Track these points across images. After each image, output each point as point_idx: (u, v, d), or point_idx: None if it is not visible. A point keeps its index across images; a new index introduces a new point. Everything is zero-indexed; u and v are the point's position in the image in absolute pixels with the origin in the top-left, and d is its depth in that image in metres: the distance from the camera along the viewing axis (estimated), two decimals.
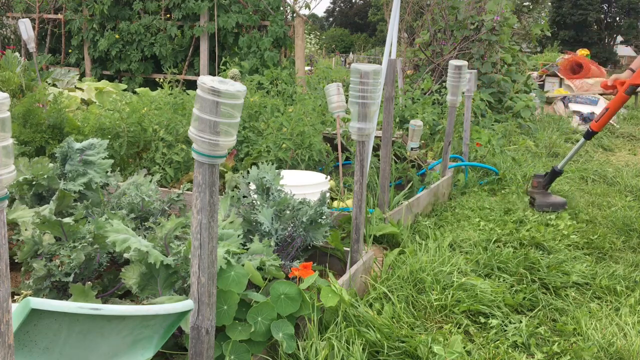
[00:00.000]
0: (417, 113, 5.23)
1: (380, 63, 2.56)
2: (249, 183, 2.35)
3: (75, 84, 7.24)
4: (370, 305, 2.03)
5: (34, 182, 2.29)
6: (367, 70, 2.09)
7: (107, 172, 2.42)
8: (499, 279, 2.35)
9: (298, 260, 2.12)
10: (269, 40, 7.61)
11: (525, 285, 2.29)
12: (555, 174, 3.42)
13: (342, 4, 54.77)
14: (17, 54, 5.63)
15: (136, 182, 2.39)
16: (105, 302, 1.79)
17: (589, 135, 3.26)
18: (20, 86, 4.69)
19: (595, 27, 40.36)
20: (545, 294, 2.26)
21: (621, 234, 2.98)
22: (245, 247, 1.94)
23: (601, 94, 8.68)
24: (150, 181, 2.41)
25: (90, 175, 2.33)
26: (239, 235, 1.85)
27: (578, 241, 2.81)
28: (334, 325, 1.74)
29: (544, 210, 3.30)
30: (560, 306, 2.17)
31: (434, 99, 6.03)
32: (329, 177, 3.05)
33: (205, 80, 1.18)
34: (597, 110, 7.81)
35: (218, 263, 1.51)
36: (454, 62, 3.66)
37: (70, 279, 1.76)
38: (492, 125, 5.79)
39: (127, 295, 1.90)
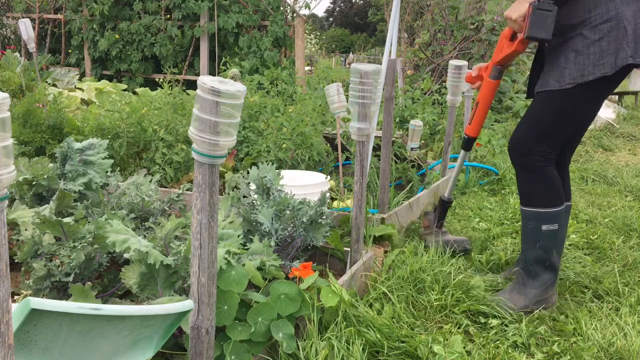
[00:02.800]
0: (417, 113, 5.24)
1: (380, 63, 2.56)
2: (249, 183, 2.35)
3: (75, 84, 7.25)
4: (370, 305, 2.03)
5: (34, 182, 2.29)
6: (367, 70, 2.09)
7: (107, 172, 2.42)
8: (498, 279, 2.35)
9: (298, 260, 2.12)
10: (269, 40, 7.61)
11: None
12: (444, 205, 2.78)
13: (342, 4, 54.78)
14: (17, 54, 5.63)
15: (136, 182, 2.39)
16: (105, 302, 1.79)
17: (468, 144, 2.55)
18: (20, 86, 4.70)
19: None
20: None
21: (621, 233, 2.99)
22: (246, 247, 1.94)
23: None
24: (150, 181, 2.41)
25: (90, 175, 2.33)
26: (239, 235, 1.85)
27: (578, 241, 2.81)
28: (334, 325, 1.74)
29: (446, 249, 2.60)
30: (560, 306, 2.17)
31: (434, 99, 6.03)
32: (329, 177, 3.05)
33: (205, 80, 1.18)
34: None
35: (218, 263, 1.51)
36: (454, 62, 3.66)
37: (70, 279, 1.76)
38: (492, 125, 5.79)
39: (127, 295, 1.90)
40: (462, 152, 2.59)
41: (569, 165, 2.31)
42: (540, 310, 2.09)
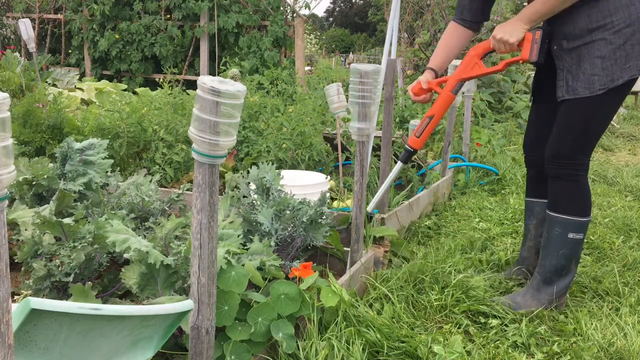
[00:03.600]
0: (417, 113, 5.23)
1: (380, 63, 2.56)
2: (249, 183, 2.35)
3: (75, 84, 7.25)
4: (370, 306, 2.03)
5: (34, 182, 2.29)
6: (367, 70, 2.09)
7: (107, 172, 2.42)
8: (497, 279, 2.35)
9: (298, 260, 2.12)
10: (269, 40, 7.61)
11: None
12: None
13: (342, 4, 54.78)
14: (17, 54, 5.63)
15: (136, 182, 2.39)
16: (105, 302, 1.79)
17: (409, 157, 2.40)
18: (20, 86, 4.70)
19: None
20: None
21: (621, 233, 2.98)
22: (246, 247, 1.94)
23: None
24: (150, 181, 2.41)
25: (90, 175, 2.33)
26: (239, 235, 1.85)
27: None
28: (334, 325, 1.74)
29: None
30: None
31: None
32: (329, 177, 3.05)
33: (205, 80, 1.18)
34: None
35: (218, 263, 1.51)
36: (453, 62, 3.66)
37: (70, 279, 1.76)
38: (492, 125, 5.79)
39: (127, 295, 1.90)
40: (399, 164, 2.42)
41: None
42: (544, 310, 2.08)
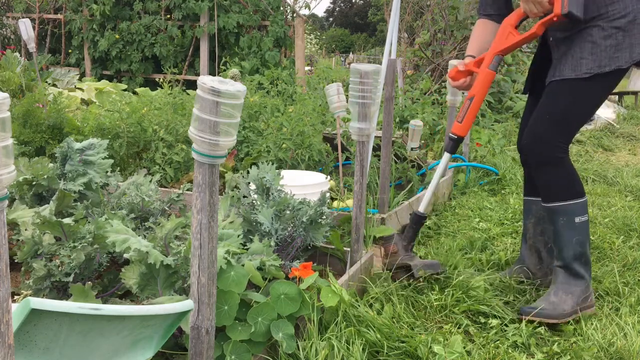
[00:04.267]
0: (417, 113, 5.24)
1: (380, 63, 2.56)
2: (249, 183, 2.35)
3: (75, 84, 7.25)
4: (370, 305, 2.03)
5: (34, 182, 2.29)
6: (367, 70, 2.09)
7: (107, 172, 2.42)
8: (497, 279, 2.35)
9: (298, 260, 2.12)
10: (270, 40, 7.61)
11: (526, 286, 2.29)
12: (419, 222, 2.30)
13: (342, 4, 54.79)
14: (17, 54, 5.63)
15: (136, 182, 2.39)
16: (105, 302, 1.79)
17: (455, 146, 2.24)
18: (20, 86, 4.70)
19: None
20: None
21: (621, 233, 2.98)
22: (246, 247, 1.94)
23: None
24: (150, 181, 2.41)
25: (90, 175, 2.33)
26: (239, 235, 1.85)
27: None
28: (334, 325, 1.74)
29: (422, 275, 2.20)
30: None
31: (434, 99, 6.03)
32: (329, 177, 3.05)
33: (205, 80, 1.18)
34: (597, 110, 7.77)
35: (218, 263, 1.51)
36: (454, 62, 3.65)
37: (70, 279, 1.76)
38: (492, 125, 5.79)
39: (127, 295, 1.90)
40: (447, 155, 2.26)
41: None
42: (582, 313, 2.06)
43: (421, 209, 2.29)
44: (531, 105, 2.28)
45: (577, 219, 2.05)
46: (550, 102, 2.06)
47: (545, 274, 2.30)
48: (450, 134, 2.23)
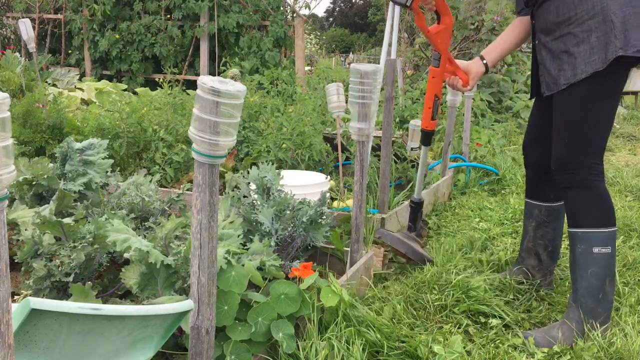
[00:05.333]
0: (417, 113, 5.23)
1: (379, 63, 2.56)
2: (249, 183, 2.35)
3: (75, 84, 7.25)
4: (370, 305, 2.03)
5: (34, 182, 2.29)
6: (367, 70, 2.09)
7: (107, 172, 2.42)
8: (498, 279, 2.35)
9: (298, 260, 2.12)
10: (270, 40, 7.61)
11: (526, 286, 2.29)
12: (416, 206, 2.61)
13: (342, 4, 54.78)
14: (17, 54, 5.63)
15: (136, 182, 2.39)
16: (105, 302, 1.79)
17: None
18: (20, 86, 4.70)
19: None
20: (546, 293, 2.26)
21: (621, 233, 2.98)
22: (246, 247, 1.94)
23: None
24: (150, 181, 2.41)
25: (90, 175, 2.33)
26: (239, 235, 1.85)
27: None
28: (334, 325, 1.74)
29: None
30: (560, 306, 2.17)
31: None
32: (329, 177, 3.05)
33: (205, 80, 1.18)
34: None
35: (218, 263, 1.51)
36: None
37: (71, 279, 1.76)
38: (492, 125, 5.79)
39: (127, 295, 1.90)
40: (424, 148, 2.52)
41: None
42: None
43: (416, 196, 2.61)
44: (534, 107, 2.26)
45: (595, 250, 1.89)
46: (558, 121, 1.97)
47: (545, 275, 2.30)
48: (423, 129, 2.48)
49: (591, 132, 1.93)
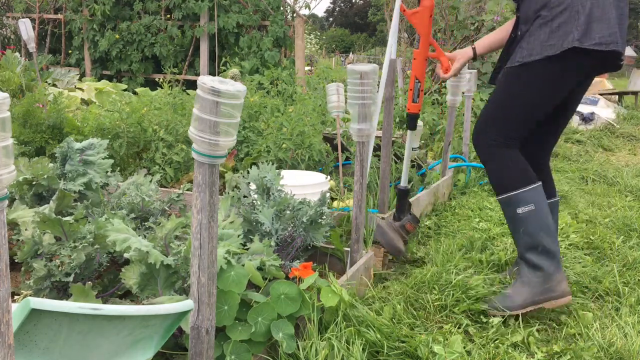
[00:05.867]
0: None
1: (379, 63, 2.56)
2: (249, 183, 2.35)
3: (75, 84, 7.24)
4: (370, 305, 2.03)
5: (34, 182, 2.29)
6: (367, 71, 2.09)
7: (107, 172, 2.42)
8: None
9: (298, 260, 2.12)
10: (269, 40, 7.61)
11: None
12: (402, 194, 2.69)
13: (342, 4, 54.78)
14: (17, 54, 5.63)
15: (136, 182, 2.39)
16: (105, 302, 1.79)
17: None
18: (21, 86, 4.70)
19: None
20: None
21: (621, 233, 2.98)
22: (246, 247, 1.94)
23: (601, 94, 8.66)
24: (150, 181, 2.41)
25: (90, 175, 2.33)
26: (239, 235, 1.85)
27: (578, 241, 2.81)
28: (334, 325, 1.74)
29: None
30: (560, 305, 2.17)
31: (434, 99, 6.02)
32: (329, 177, 3.05)
33: (205, 80, 1.18)
34: (598, 110, 7.78)
35: (218, 263, 1.51)
36: None
37: (71, 279, 1.76)
38: None
39: (127, 295, 1.90)
40: (410, 132, 2.61)
41: (549, 164, 2.30)
42: (544, 305, 2.05)
43: (403, 183, 2.69)
44: None
45: (519, 210, 2.03)
46: (492, 95, 2.10)
47: None
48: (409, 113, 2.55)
49: (511, 110, 2.04)
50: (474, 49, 2.35)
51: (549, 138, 2.25)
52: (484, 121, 2.10)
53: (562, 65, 1.92)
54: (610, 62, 1.95)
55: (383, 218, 2.66)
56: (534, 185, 2.03)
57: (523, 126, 2.07)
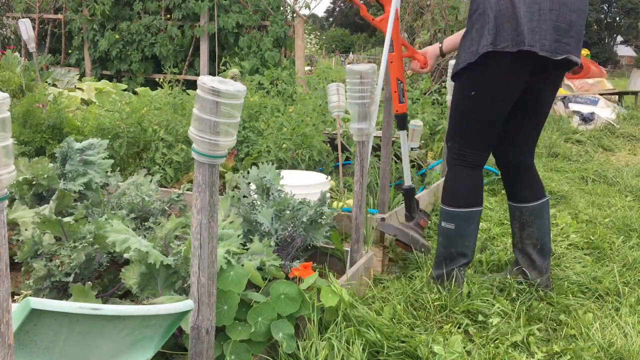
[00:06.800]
0: (417, 113, 5.23)
1: (379, 63, 2.56)
2: (249, 183, 2.35)
3: (75, 84, 7.24)
4: (370, 305, 2.03)
5: (34, 182, 2.29)
6: (367, 70, 2.09)
7: (107, 172, 2.42)
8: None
9: (298, 260, 2.12)
10: (269, 40, 7.60)
11: (525, 286, 2.29)
12: (408, 193, 2.68)
13: (342, 4, 54.76)
14: (17, 54, 5.63)
15: (136, 182, 2.39)
16: (105, 302, 1.79)
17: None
18: (21, 86, 4.70)
19: (595, 27, 40.39)
20: (546, 293, 2.26)
21: (621, 233, 2.98)
22: (245, 247, 1.94)
23: (601, 94, 8.66)
24: (150, 181, 2.41)
25: (90, 175, 2.33)
26: (239, 235, 1.85)
27: (578, 241, 2.81)
28: (334, 325, 1.74)
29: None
30: (560, 305, 2.16)
31: (434, 99, 6.02)
32: (329, 177, 3.05)
33: (205, 80, 1.18)
34: (598, 110, 7.78)
35: (218, 263, 1.51)
36: (453, 62, 3.65)
37: (71, 279, 1.76)
38: None
39: (127, 295, 1.90)
40: (402, 132, 2.63)
41: (533, 162, 2.27)
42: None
43: (407, 182, 2.69)
44: None
45: (442, 223, 2.14)
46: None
47: (541, 272, 2.30)
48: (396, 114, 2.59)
49: (460, 121, 2.10)
50: (440, 47, 2.41)
51: (525, 134, 2.20)
52: (448, 131, 2.18)
53: (485, 71, 1.94)
54: (549, 60, 1.88)
55: (383, 218, 2.66)
56: (464, 210, 2.11)
57: (481, 135, 2.09)
